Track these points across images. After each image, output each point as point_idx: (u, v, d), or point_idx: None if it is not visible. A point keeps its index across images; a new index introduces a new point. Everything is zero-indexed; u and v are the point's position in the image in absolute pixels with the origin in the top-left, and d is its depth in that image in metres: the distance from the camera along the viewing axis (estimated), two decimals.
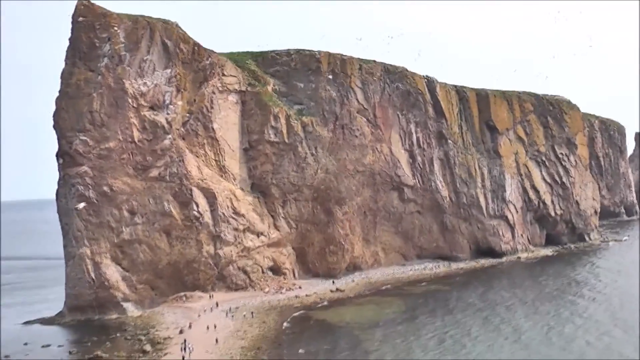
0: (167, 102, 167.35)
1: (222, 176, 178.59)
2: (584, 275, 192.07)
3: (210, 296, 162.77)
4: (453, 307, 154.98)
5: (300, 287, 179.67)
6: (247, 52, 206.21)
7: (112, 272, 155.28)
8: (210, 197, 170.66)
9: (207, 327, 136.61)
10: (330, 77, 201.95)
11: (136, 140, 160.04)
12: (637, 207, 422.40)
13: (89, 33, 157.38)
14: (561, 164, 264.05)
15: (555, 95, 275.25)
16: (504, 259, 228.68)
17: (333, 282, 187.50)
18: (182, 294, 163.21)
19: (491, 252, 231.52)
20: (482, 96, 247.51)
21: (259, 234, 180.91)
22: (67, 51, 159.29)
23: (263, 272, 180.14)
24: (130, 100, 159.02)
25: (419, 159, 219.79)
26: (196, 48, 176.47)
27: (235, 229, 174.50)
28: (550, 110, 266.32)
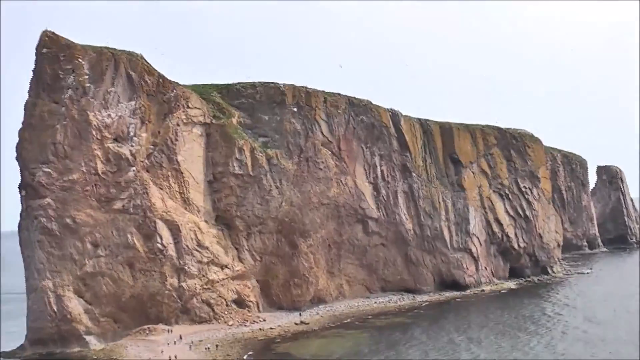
0: (132, 134, 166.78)
1: (186, 208, 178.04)
2: (538, 309, 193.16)
3: (169, 331, 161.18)
4: (410, 341, 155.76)
5: (264, 320, 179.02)
6: (212, 85, 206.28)
7: (75, 305, 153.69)
8: (174, 229, 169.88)
9: (169, 358, 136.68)
10: (295, 109, 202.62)
11: (100, 172, 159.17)
12: (599, 240, 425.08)
13: (53, 64, 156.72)
14: (524, 197, 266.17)
15: (518, 129, 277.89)
16: (468, 292, 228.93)
17: (300, 314, 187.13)
18: (146, 327, 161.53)
19: (455, 285, 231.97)
20: (446, 129, 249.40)
21: (223, 267, 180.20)
22: (30, 82, 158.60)
23: (227, 304, 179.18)
24: (94, 132, 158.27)
25: (383, 191, 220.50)
26: (161, 80, 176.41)
27: (200, 262, 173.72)
28: (514, 144, 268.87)
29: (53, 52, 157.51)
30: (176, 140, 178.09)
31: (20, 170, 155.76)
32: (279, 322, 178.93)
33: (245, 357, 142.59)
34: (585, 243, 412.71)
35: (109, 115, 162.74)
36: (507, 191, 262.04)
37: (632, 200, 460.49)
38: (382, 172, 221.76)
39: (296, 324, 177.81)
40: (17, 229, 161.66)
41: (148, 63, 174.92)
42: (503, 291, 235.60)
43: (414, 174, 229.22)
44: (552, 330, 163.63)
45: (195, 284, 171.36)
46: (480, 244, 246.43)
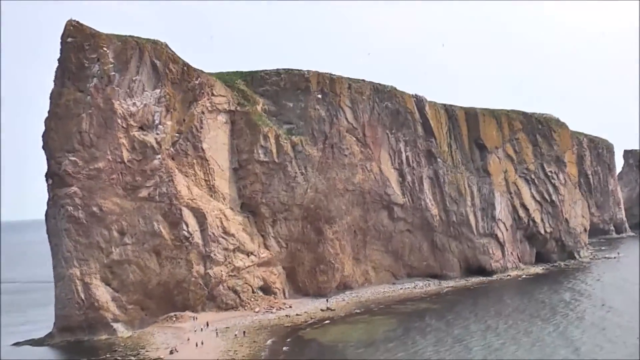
0: (157, 122, 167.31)
1: (211, 196, 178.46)
2: (559, 296, 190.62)
3: (194, 318, 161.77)
4: (429, 327, 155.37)
5: (290, 307, 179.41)
6: (237, 72, 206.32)
7: (102, 293, 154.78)
8: (200, 217, 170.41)
9: (196, 344, 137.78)
10: (320, 96, 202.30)
11: (125, 160, 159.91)
12: (627, 225, 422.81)
13: (78, 53, 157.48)
14: (550, 182, 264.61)
15: (544, 114, 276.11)
16: (494, 277, 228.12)
17: (327, 300, 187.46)
18: (173, 314, 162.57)
19: (481, 271, 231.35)
20: (471, 115, 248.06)
21: (249, 254, 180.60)
22: (56, 72, 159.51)
23: (253, 291, 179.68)
24: (119, 121, 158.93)
25: (408, 177, 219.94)
26: (185, 68, 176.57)
27: (225, 249, 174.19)
28: (539, 129, 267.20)
29: (78, 41, 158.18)
30: (201, 128, 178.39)
31: (47, 159, 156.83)
32: (305, 308, 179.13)
33: (268, 342, 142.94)
34: (612, 227, 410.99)
35: (134, 103, 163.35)
36: (533, 176, 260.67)
37: None
38: (407, 158, 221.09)
39: (322, 310, 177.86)
40: (44, 218, 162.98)
41: (172, 51, 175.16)
42: (529, 276, 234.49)
43: (439, 160, 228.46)
44: (569, 316, 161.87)
45: (221, 271, 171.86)
46: (507, 229, 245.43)
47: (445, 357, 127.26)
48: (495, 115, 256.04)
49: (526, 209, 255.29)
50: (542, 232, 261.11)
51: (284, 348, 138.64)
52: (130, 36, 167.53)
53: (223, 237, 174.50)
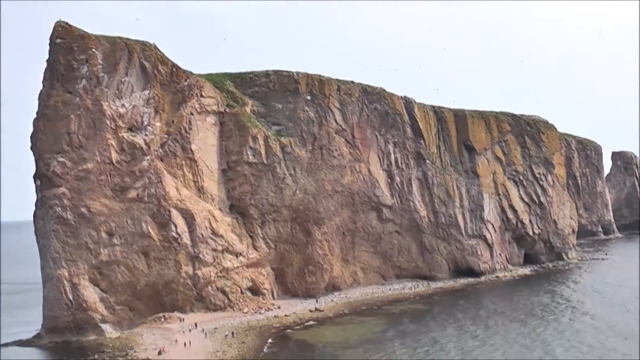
0: (146, 123, 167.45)
1: (200, 197, 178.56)
2: (539, 298, 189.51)
3: (181, 319, 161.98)
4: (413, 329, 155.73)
5: (279, 307, 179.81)
6: (226, 73, 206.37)
7: (90, 294, 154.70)
8: (189, 218, 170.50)
9: (184, 345, 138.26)
10: (309, 98, 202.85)
11: (114, 161, 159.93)
12: (615, 226, 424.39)
13: (67, 55, 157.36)
14: (539, 183, 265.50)
15: (532, 115, 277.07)
16: (482, 279, 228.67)
17: (316, 301, 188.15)
18: (161, 314, 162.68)
19: (470, 272, 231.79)
20: (460, 116, 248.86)
21: (237, 255, 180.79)
22: (44, 73, 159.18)
23: (242, 292, 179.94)
24: (108, 122, 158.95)
25: (397, 179, 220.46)
26: (174, 69, 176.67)
27: (214, 250, 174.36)
28: (528, 130, 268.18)
29: (67, 42, 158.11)
30: (190, 129, 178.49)
31: (35, 160, 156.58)
32: (294, 309, 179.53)
33: (263, 345, 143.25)
34: (600, 229, 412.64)
35: (123, 104, 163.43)
36: (521, 178, 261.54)
37: None
38: (396, 159, 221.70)
39: (311, 311, 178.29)
40: (32, 219, 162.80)
41: (162, 53, 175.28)
42: (516, 278, 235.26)
43: (428, 161, 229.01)
44: (547, 318, 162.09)
45: (210, 272, 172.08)
46: (495, 231, 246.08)
47: (423, 358, 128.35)
48: (484, 117, 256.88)
49: (515, 211, 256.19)
50: (531, 233, 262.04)
51: (265, 349, 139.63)
52: (119, 37, 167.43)
53: (212, 238, 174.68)
